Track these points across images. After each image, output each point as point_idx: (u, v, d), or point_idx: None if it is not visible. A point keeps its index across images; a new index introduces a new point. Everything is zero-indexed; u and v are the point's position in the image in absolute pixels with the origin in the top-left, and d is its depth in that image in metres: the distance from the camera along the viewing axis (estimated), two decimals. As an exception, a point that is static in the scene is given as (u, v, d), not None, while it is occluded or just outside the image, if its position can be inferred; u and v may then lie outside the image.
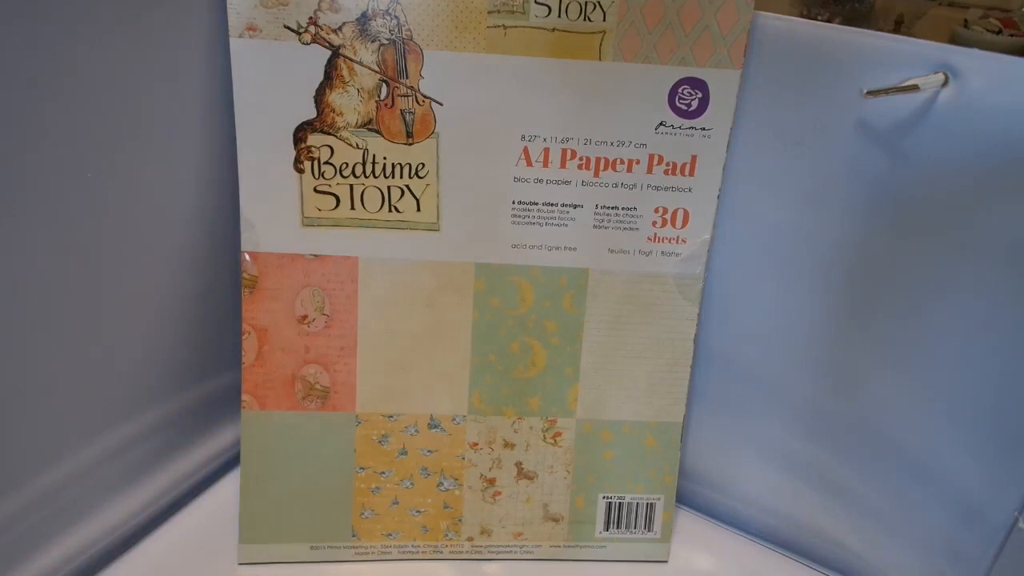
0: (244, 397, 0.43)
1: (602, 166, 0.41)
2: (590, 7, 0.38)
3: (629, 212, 0.42)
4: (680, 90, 0.40)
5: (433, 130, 0.40)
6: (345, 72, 0.39)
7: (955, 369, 0.39)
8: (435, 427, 0.45)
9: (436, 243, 0.42)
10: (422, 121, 0.40)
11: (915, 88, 0.35)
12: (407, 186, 0.41)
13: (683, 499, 0.51)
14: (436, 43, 0.39)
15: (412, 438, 0.45)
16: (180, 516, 0.47)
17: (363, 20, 0.38)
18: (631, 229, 0.43)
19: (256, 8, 0.38)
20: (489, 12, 0.38)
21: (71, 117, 0.34)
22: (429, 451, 0.45)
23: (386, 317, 0.43)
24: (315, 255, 0.42)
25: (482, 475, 0.45)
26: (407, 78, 0.39)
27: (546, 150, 0.41)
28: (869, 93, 0.36)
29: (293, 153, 0.40)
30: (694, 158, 0.41)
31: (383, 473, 0.45)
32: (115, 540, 0.44)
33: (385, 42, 0.39)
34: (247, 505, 0.44)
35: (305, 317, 0.43)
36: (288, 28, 0.38)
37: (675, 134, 0.41)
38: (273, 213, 0.41)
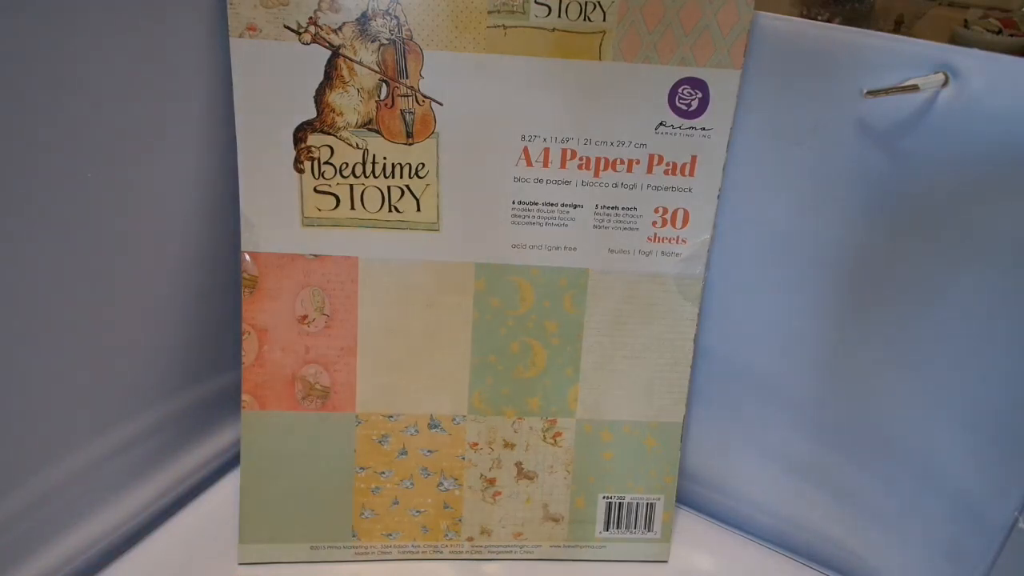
0: (244, 397, 0.43)
1: (602, 166, 0.41)
2: (590, 7, 0.38)
3: (629, 212, 0.42)
4: (680, 90, 0.40)
5: (433, 130, 0.40)
6: (345, 72, 0.39)
7: (955, 369, 0.39)
8: (435, 427, 0.45)
9: (436, 243, 0.42)
10: (422, 121, 0.40)
11: (915, 88, 0.35)
12: (407, 186, 0.41)
13: (683, 499, 0.51)
14: (436, 43, 0.39)
15: (412, 438, 0.45)
16: (180, 516, 0.47)
17: (363, 20, 0.38)
18: (631, 229, 0.43)
19: (256, 8, 0.38)
20: (489, 12, 0.38)
21: (71, 117, 0.34)
22: (429, 451, 0.45)
23: (386, 317, 0.43)
24: (315, 255, 0.42)
25: (482, 475, 0.45)
26: (407, 78, 0.39)
27: (546, 150, 0.41)
28: (869, 93, 0.36)
29: (293, 153, 0.40)
30: (694, 158, 0.41)
31: (383, 473, 0.45)
32: (115, 540, 0.44)
33: (385, 42, 0.39)
34: (247, 505, 0.44)
35: (305, 317, 0.43)
36: (288, 28, 0.38)
37: (675, 134, 0.41)
38: (273, 213, 0.41)
